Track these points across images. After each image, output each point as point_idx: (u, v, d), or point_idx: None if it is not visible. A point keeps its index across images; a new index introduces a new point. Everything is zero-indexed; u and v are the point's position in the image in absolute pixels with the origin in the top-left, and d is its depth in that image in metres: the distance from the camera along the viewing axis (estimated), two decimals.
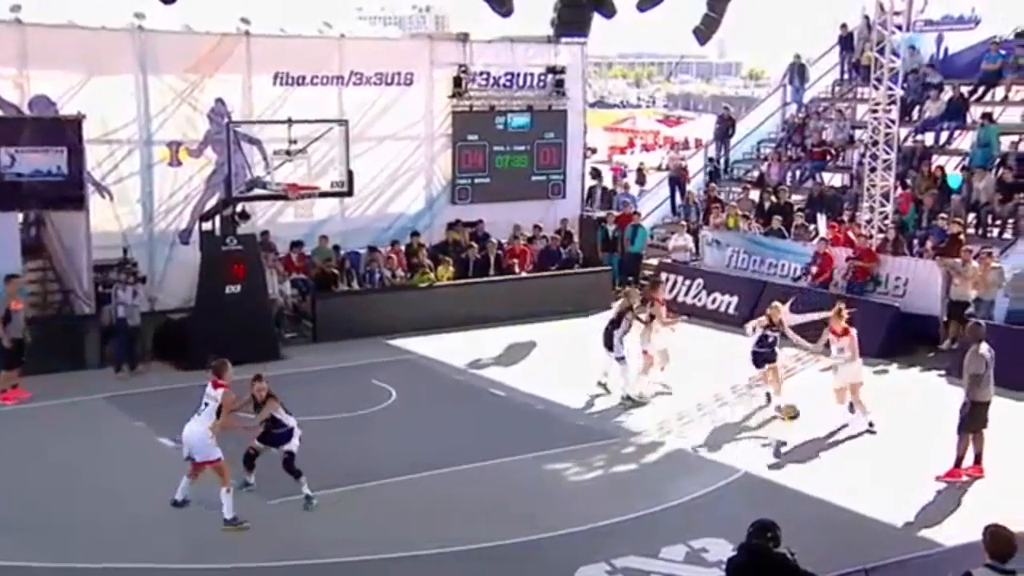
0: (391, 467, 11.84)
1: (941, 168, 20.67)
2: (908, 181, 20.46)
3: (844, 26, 25.27)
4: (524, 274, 19.86)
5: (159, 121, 17.62)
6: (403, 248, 19.44)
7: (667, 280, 19.21)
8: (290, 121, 16.07)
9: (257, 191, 16.66)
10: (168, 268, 17.82)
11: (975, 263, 16.61)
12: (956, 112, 21.63)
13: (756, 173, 24.18)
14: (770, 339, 13.83)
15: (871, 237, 18.60)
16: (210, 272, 16.27)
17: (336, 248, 19.05)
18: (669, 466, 12.31)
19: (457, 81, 20.28)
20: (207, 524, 10.23)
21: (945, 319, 17.10)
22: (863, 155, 19.83)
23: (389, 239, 19.65)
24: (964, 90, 22.05)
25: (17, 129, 15.66)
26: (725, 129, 25.40)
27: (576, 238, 21.08)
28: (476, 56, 20.48)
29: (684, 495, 11.21)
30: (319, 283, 18.40)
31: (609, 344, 14.67)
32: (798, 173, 23.59)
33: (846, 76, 25.28)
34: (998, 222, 19.23)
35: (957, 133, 21.66)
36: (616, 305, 15.31)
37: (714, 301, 19.75)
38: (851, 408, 13.24)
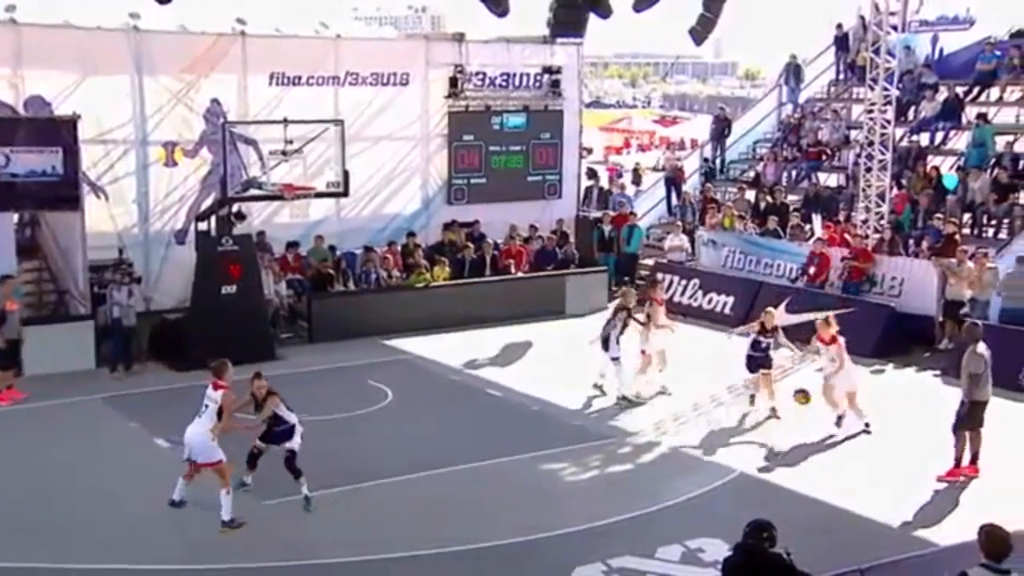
0: (388, 467, 11.84)
1: (936, 168, 20.70)
2: (904, 181, 20.49)
3: (840, 26, 25.29)
4: (520, 274, 19.86)
5: (155, 121, 17.60)
6: (399, 248, 19.44)
7: (663, 280, 19.22)
8: (286, 121, 16.06)
9: (253, 191, 16.64)
10: (164, 268, 17.80)
11: (971, 263, 16.64)
12: (951, 112, 21.67)
13: (752, 173, 24.20)
14: (763, 344, 13.79)
15: (867, 237, 18.63)
16: (206, 272, 16.25)
17: (332, 248, 19.04)
18: (665, 466, 12.32)
19: (453, 81, 20.28)
20: (204, 525, 10.21)
21: (941, 319, 17.13)
22: (859, 155, 19.86)
23: (385, 239, 19.64)
24: (959, 90, 22.09)
25: (12, 129, 15.62)
26: (721, 129, 25.42)
27: (572, 238, 21.08)
28: (472, 56, 20.47)
29: (680, 495, 11.21)
30: (315, 283, 18.39)
31: (606, 344, 14.66)
32: (794, 173, 23.62)
33: (842, 76, 25.30)
34: (993, 222, 19.27)
35: (952, 133, 21.71)
36: (612, 305, 15.31)
37: (710, 301, 19.76)
38: (838, 422, 13.09)
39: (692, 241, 21.53)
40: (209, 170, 17.99)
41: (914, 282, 17.54)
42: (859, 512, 10.67)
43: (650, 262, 21.60)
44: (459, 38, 20.61)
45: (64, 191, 15.69)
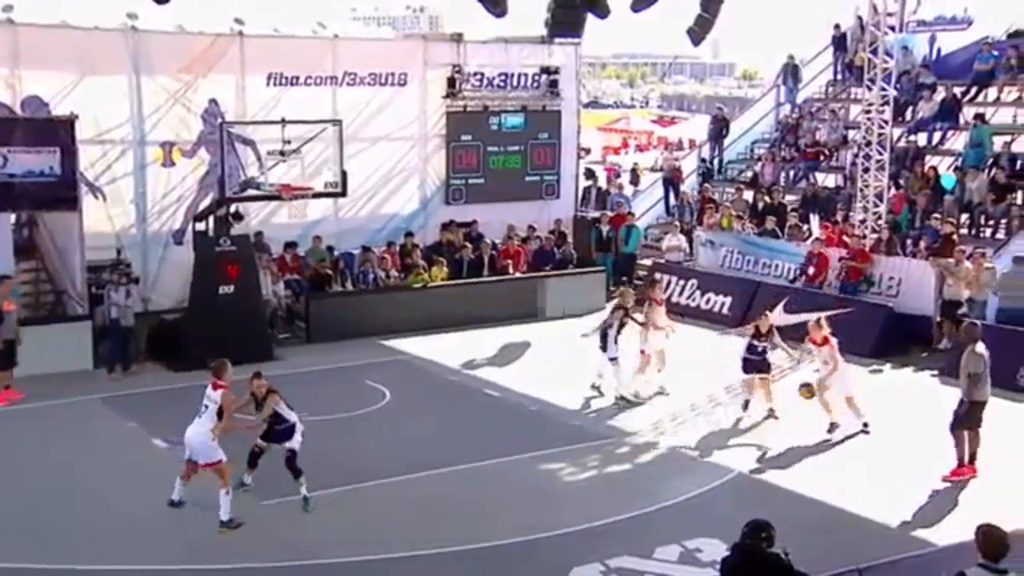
0: (386, 467, 11.83)
1: (934, 168, 20.72)
2: (901, 181, 20.51)
3: (837, 27, 25.31)
4: (518, 274, 19.86)
5: (152, 121, 17.59)
6: (397, 249, 19.43)
7: (661, 280, 19.21)
8: (284, 121, 16.06)
9: (251, 192, 16.63)
10: (161, 269, 17.79)
11: (968, 263, 16.65)
12: (949, 113, 21.69)
13: (750, 173, 24.22)
14: (759, 348, 13.69)
15: (864, 237, 18.64)
16: (204, 273, 16.24)
17: (330, 249, 19.03)
18: (663, 466, 12.32)
19: (451, 81, 20.28)
20: (202, 525, 10.20)
21: (939, 319, 17.14)
22: (856, 155, 19.87)
23: (383, 240, 19.63)
24: (957, 91, 22.11)
25: (9, 129, 15.60)
26: (719, 129, 25.44)
27: (570, 238, 21.09)
28: (470, 56, 20.47)
29: (678, 495, 11.21)
30: (313, 284, 18.38)
31: (604, 345, 14.66)
32: (792, 173, 23.63)
33: (839, 77, 25.32)
34: (991, 222, 19.29)
35: (950, 133, 21.73)
36: (610, 305, 15.31)
37: (708, 301, 19.77)
38: (831, 429, 12.98)
39: (690, 241, 21.54)
40: (207, 170, 17.98)
41: (912, 282, 17.55)
42: (857, 512, 10.68)
43: (648, 262, 21.61)
44: (457, 38, 20.60)
45: (62, 191, 15.68)
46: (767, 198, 21.86)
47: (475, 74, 20.61)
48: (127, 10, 17.10)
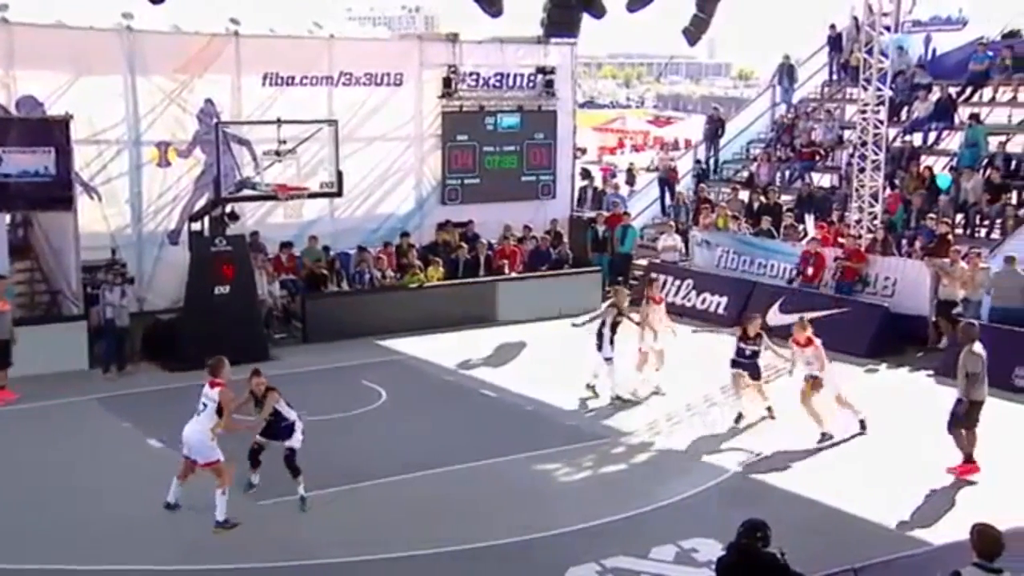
0: (382, 467, 11.83)
1: (929, 168, 20.75)
2: (897, 181, 20.53)
3: (833, 27, 25.34)
4: (514, 274, 19.86)
5: (148, 121, 17.56)
6: (393, 249, 19.42)
7: (658, 279, 19.20)
8: (279, 121, 16.06)
9: (246, 192, 16.63)
10: (157, 269, 17.77)
11: (963, 263, 16.67)
12: (944, 113, 21.73)
13: (746, 173, 24.23)
14: (747, 352, 13.41)
15: (860, 237, 18.66)
16: (199, 273, 16.22)
17: (326, 249, 19.02)
18: (659, 466, 12.33)
19: (447, 81, 20.27)
20: (198, 525, 10.19)
21: (934, 319, 17.16)
22: (852, 155, 19.88)
23: (379, 240, 19.63)
24: (952, 91, 22.15)
25: (4, 129, 15.57)
26: (715, 130, 25.44)
27: (566, 238, 21.09)
28: (466, 56, 20.46)
29: (674, 495, 11.22)
30: (308, 284, 18.37)
31: (600, 344, 14.66)
32: (787, 173, 23.65)
33: (835, 77, 25.36)
34: (986, 222, 19.30)
35: (945, 133, 21.76)
36: (604, 305, 15.30)
37: (704, 301, 19.79)
38: (822, 439, 12.77)
39: (685, 241, 21.55)
40: (202, 170, 17.95)
41: (907, 282, 17.58)
42: (853, 512, 10.69)
43: (644, 262, 21.62)
44: (453, 38, 20.60)
45: (57, 191, 15.66)
46: (763, 198, 21.87)
47: (471, 74, 20.61)
48: (122, 10, 17.09)
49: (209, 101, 17.98)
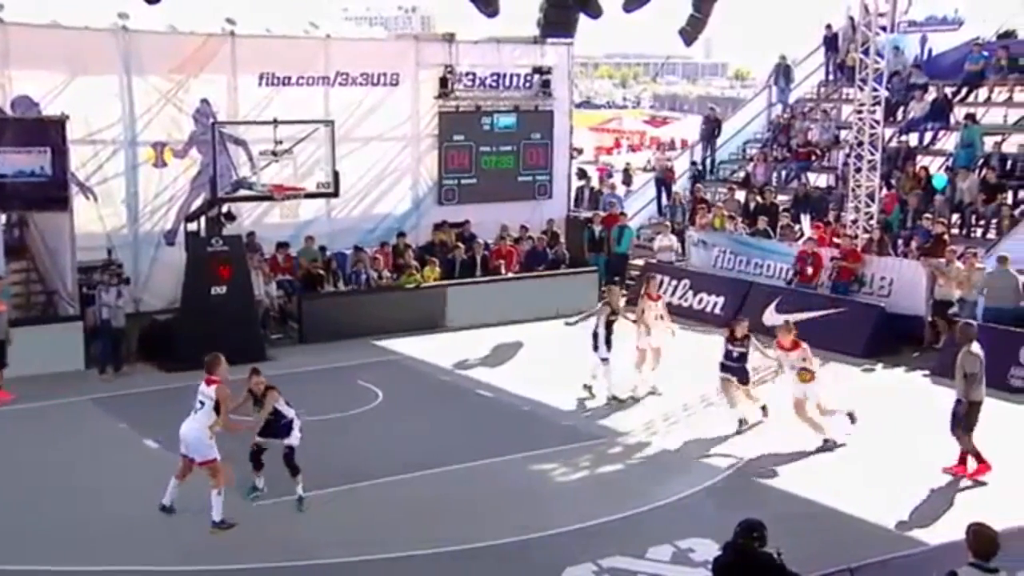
0: (379, 468, 11.82)
1: (925, 168, 20.78)
2: (893, 181, 20.56)
3: (829, 27, 25.37)
4: (511, 275, 19.86)
5: (144, 122, 17.55)
6: (390, 249, 19.41)
7: (656, 278, 19.18)
8: (276, 122, 16.02)
9: (243, 192, 16.60)
10: (153, 269, 17.75)
11: (959, 263, 16.69)
12: (940, 113, 21.75)
13: (742, 174, 24.25)
14: (734, 354, 13.25)
15: (856, 237, 18.67)
16: (195, 273, 16.21)
17: (322, 249, 19.00)
18: (655, 466, 12.33)
19: (443, 81, 20.27)
20: (195, 526, 10.18)
21: (930, 319, 17.18)
22: (848, 155, 19.91)
23: (375, 240, 19.62)
24: (948, 91, 22.18)
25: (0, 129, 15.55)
26: (711, 130, 25.45)
27: (562, 239, 21.09)
28: (462, 56, 20.46)
29: (671, 495, 11.22)
30: (305, 284, 18.36)
31: (596, 345, 14.65)
32: (784, 173, 23.67)
33: (831, 77, 25.38)
34: (982, 222, 19.34)
35: (941, 134, 21.79)
36: (599, 305, 15.29)
37: (700, 301, 19.79)
38: (824, 445, 12.61)
39: (681, 241, 21.56)
40: (199, 170, 17.94)
41: (903, 282, 17.59)
42: (849, 512, 10.69)
43: (640, 262, 21.63)
44: (449, 38, 20.59)
45: (52, 192, 15.65)
46: (759, 198, 21.89)
47: (467, 74, 20.61)
48: (118, 10, 17.07)
49: (205, 101, 17.97)
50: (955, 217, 19.46)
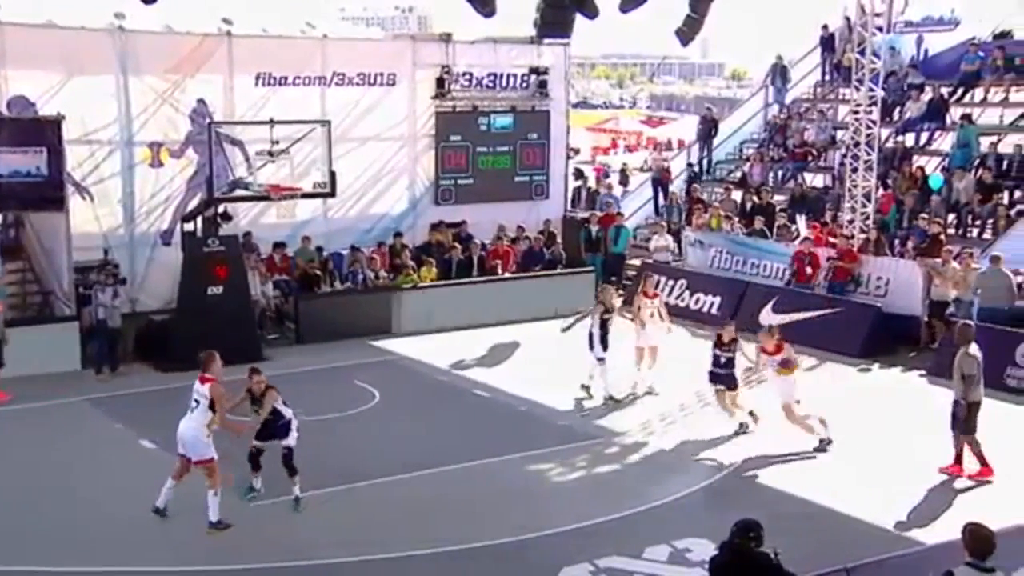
0: (376, 468, 11.81)
1: (922, 169, 20.82)
2: (889, 182, 20.59)
3: (825, 27, 25.38)
4: (507, 275, 19.86)
5: (140, 122, 17.54)
6: (386, 249, 19.40)
7: (652, 277, 19.17)
8: (272, 122, 16.03)
9: (239, 192, 16.57)
10: (149, 269, 17.74)
11: (955, 263, 16.71)
12: (936, 113, 21.79)
13: (739, 174, 24.27)
14: (722, 360, 13.16)
15: (852, 237, 18.69)
16: (192, 273, 16.19)
17: (319, 249, 18.99)
18: (652, 466, 12.34)
19: (440, 82, 20.27)
20: (192, 527, 10.16)
21: (926, 319, 17.20)
22: (844, 156, 19.94)
23: (372, 240, 19.62)
24: (944, 91, 22.21)
25: None
26: (708, 130, 25.47)
27: (559, 239, 21.10)
28: (459, 57, 20.47)
29: (667, 495, 11.23)
30: (302, 284, 18.35)
31: (591, 345, 14.65)
32: (780, 174, 23.69)
33: (827, 77, 25.39)
34: (978, 222, 19.37)
35: (937, 134, 21.82)
36: (595, 305, 15.27)
37: (697, 301, 19.80)
38: (821, 445, 12.59)
39: (678, 241, 21.57)
40: (195, 171, 17.93)
41: (900, 282, 17.62)
42: (846, 511, 10.71)
43: (637, 262, 21.64)
44: (446, 38, 20.59)
45: (48, 192, 15.64)
46: (755, 198, 21.92)
47: (464, 74, 20.61)
48: (114, 10, 17.04)
49: (202, 101, 17.96)
50: (951, 217, 19.49)
